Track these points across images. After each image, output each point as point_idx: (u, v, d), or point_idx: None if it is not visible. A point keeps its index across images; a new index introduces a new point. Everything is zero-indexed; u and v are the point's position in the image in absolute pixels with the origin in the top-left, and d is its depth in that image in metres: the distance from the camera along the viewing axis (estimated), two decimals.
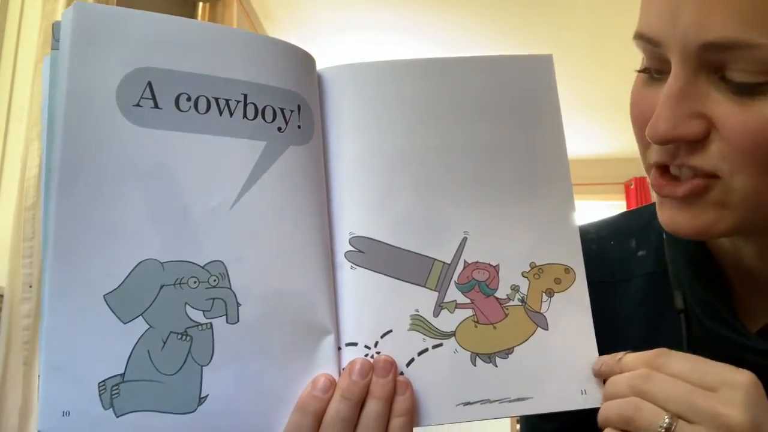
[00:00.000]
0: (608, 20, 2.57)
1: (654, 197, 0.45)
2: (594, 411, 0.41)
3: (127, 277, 0.38)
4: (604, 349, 0.49)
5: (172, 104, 0.40)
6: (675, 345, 0.49)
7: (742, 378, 0.36)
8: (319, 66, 0.47)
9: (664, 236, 0.52)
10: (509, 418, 2.34)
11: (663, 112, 0.40)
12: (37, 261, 1.27)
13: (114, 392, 0.37)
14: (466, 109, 0.46)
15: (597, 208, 3.95)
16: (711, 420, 0.35)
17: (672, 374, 0.38)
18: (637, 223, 0.58)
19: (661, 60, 0.41)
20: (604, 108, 3.39)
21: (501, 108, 0.47)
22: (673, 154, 0.41)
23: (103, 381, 0.37)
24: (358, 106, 0.46)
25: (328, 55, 2.80)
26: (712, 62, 0.38)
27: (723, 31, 0.36)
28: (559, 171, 0.46)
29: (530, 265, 0.45)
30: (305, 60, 0.45)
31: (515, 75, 0.48)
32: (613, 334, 0.53)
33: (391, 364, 0.41)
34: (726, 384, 0.36)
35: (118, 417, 0.37)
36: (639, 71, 0.44)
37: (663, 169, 0.43)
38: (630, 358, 0.41)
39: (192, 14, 2.23)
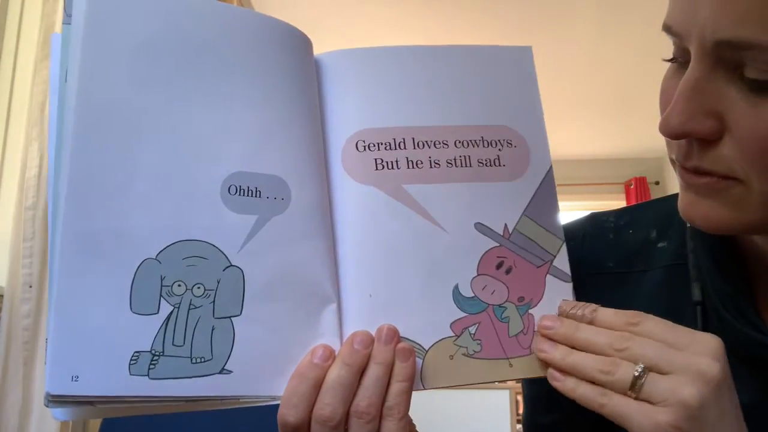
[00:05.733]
0: (609, 20, 2.58)
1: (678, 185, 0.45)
2: None
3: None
4: None
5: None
6: None
7: (710, 338, 0.39)
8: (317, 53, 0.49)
9: (688, 227, 0.52)
10: (509, 415, 2.36)
11: (676, 106, 0.39)
12: (37, 261, 1.27)
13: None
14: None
15: (596, 209, 3.95)
16: (685, 369, 0.37)
17: (647, 335, 0.40)
18: (659, 213, 0.57)
19: (685, 51, 0.40)
20: (604, 108, 3.39)
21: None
22: (686, 153, 0.41)
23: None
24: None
25: (326, 46, 2.77)
26: (729, 60, 0.37)
27: (737, 31, 0.36)
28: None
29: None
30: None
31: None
32: None
33: (394, 332, 0.42)
34: (696, 341, 0.39)
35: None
36: (668, 60, 0.43)
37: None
38: (607, 314, 0.42)
39: None
